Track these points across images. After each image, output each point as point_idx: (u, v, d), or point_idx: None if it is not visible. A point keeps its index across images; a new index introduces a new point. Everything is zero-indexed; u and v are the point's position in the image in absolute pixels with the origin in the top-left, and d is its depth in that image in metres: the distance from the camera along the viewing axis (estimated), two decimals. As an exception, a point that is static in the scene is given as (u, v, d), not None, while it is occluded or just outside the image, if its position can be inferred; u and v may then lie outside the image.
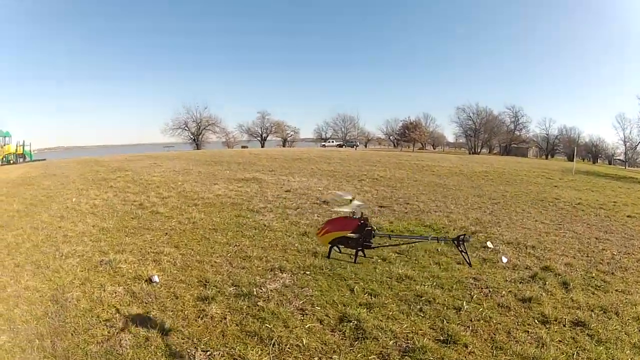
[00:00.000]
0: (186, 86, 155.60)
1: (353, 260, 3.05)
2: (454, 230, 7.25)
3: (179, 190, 11.20)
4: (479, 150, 64.11)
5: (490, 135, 66.31)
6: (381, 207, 9.56)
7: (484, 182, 14.82)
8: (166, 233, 6.80)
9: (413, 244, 5.60)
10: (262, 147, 75.64)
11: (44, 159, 42.34)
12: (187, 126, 65.76)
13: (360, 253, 3.02)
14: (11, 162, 39.55)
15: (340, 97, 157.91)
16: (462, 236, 2.78)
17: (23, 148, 42.77)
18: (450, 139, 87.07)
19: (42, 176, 17.09)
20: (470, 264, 3.76)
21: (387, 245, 4.79)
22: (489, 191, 12.52)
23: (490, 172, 17.87)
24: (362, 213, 3.00)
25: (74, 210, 8.73)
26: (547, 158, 66.89)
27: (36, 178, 16.43)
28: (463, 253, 2.88)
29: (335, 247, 3.06)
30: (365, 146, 75.38)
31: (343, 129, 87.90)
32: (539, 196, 12.00)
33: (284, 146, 78.65)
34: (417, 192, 12.05)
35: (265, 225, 7.31)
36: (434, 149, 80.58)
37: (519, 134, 71.87)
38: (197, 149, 59.76)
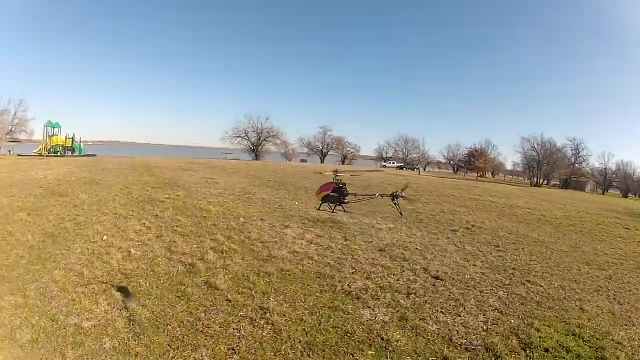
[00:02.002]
0: (251, 95, 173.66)
1: (331, 211, 9.28)
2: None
3: (243, 237, 8.83)
4: (540, 183, 65.77)
5: (553, 169, 68.65)
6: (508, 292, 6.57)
7: (575, 235, 12.79)
8: (233, 349, 4.25)
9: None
10: (321, 162, 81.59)
11: (95, 155, 44.16)
12: (247, 135, 69.48)
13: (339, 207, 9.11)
14: (59, 153, 41.93)
15: (400, 118, 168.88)
16: (396, 192, 8.97)
17: (72, 141, 44.96)
18: (508, 166, 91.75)
19: (83, 183, 16.22)
20: (401, 214, 9.07)
21: (355, 201, 8.12)
22: (589, 252, 10.37)
23: (570, 217, 16.79)
24: (340, 180, 8.88)
25: (100, 262, 6.78)
26: (604, 193, 70.01)
27: (75, 185, 15.51)
28: (396, 205, 9.18)
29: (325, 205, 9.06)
30: (424, 169, 78.94)
31: (405, 151, 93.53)
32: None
33: (343, 163, 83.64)
34: (525, 257, 9.13)
35: (382, 339, 4.66)
36: (492, 176, 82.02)
37: (579, 167, 76.18)
38: (256, 159, 62.95)
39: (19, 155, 42.24)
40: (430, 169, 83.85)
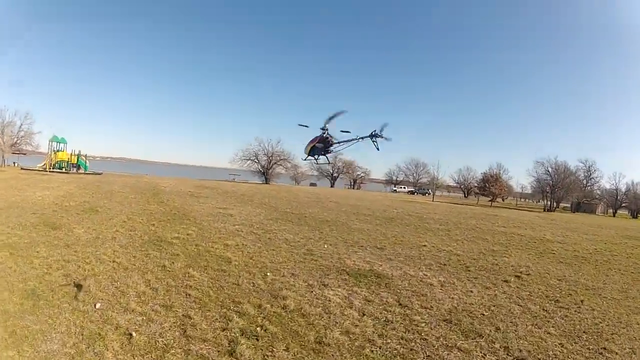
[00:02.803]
0: (261, 117, 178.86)
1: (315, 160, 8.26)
2: None
3: (278, 307, 6.79)
4: (553, 207, 65.49)
5: (567, 192, 68.48)
6: None
7: (616, 274, 11.89)
8: None
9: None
10: (331, 186, 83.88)
11: (100, 173, 43.70)
12: (257, 158, 69.21)
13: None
14: (63, 169, 41.48)
15: (410, 141, 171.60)
16: (374, 131, 7.04)
17: (78, 158, 44.39)
18: (515, 187, 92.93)
19: (81, 209, 14.69)
20: (378, 149, 7.80)
21: (338, 150, 8.36)
22: (638, 298, 9.53)
23: (601, 250, 16.24)
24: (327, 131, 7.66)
25: (90, 354, 4.72)
26: (614, 215, 72.25)
27: (72, 212, 13.99)
28: (375, 142, 7.09)
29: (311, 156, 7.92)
30: (434, 193, 79.08)
31: (415, 175, 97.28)
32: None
33: (352, 187, 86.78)
34: (587, 313, 8.00)
35: None
36: (502, 200, 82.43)
37: (590, 189, 77.59)
38: (266, 182, 63.62)
39: (22, 169, 41.59)
40: (439, 193, 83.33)
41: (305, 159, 10.69)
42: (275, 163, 69.47)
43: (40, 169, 40.26)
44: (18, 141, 52.40)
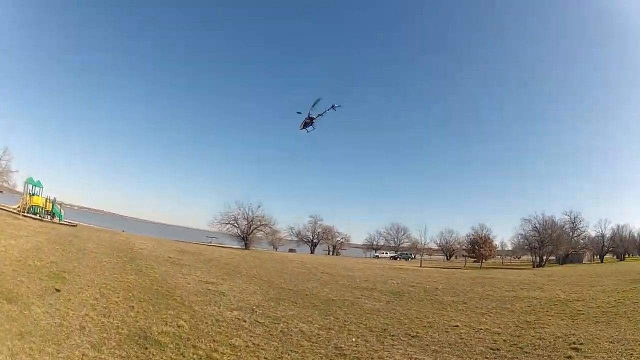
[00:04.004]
0: (239, 180, 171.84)
1: (306, 131, 19.90)
2: None
3: None
4: (542, 262, 66.10)
5: (556, 247, 68.17)
6: None
7: None
8: None
9: None
10: (311, 252, 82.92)
11: (75, 225, 40.82)
12: (237, 222, 67.14)
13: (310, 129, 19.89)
14: (37, 215, 38.96)
15: (389, 206, 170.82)
16: (333, 105, 19.21)
17: (53, 205, 41.94)
18: (498, 244, 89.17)
19: (46, 274, 12.32)
20: (334, 108, 19.10)
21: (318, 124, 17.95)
22: None
23: (616, 302, 16.35)
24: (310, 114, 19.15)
25: None
26: (602, 261, 73.41)
27: (34, 278, 11.52)
28: (334, 108, 19.26)
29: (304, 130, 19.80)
30: (414, 257, 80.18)
31: (396, 239, 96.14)
32: None
33: (332, 253, 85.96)
34: None
35: None
36: (485, 260, 77.09)
37: (577, 239, 77.31)
38: (246, 247, 61.55)
39: None
40: (418, 256, 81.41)
41: (300, 130, 20.12)
42: (255, 228, 67.79)
43: (14, 211, 37.50)
44: None
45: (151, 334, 8.38)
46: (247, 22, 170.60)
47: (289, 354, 7.95)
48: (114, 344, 7.49)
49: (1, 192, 52.71)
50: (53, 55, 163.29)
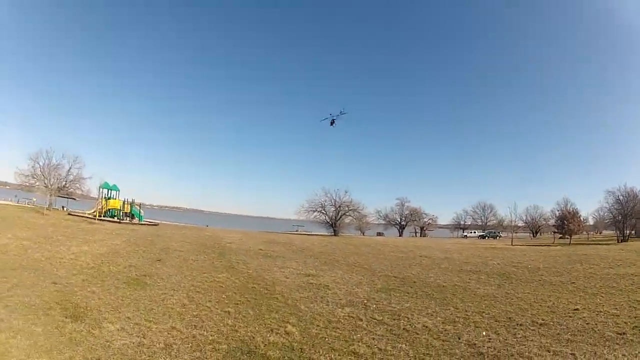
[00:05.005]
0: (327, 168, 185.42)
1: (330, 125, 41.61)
2: None
3: None
4: (626, 236, 63.61)
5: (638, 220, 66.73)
6: None
7: None
8: None
9: None
10: (399, 235, 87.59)
11: (156, 224, 42.38)
12: (324, 209, 69.67)
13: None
14: (115, 218, 40.97)
15: (477, 185, 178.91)
16: (342, 110, 42.67)
17: (131, 207, 43.98)
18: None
19: (124, 280, 11.60)
20: (342, 113, 41.97)
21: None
22: None
23: None
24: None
25: None
26: None
27: (109, 286, 10.74)
28: (342, 114, 42.82)
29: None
30: (501, 235, 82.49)
31: (483, 218, 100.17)
32: None
33: (421, 235, 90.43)
34: None
35: None
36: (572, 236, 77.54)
37: None
38: (335, 234, 63.36)
39: (69, 214, 41.50)
40: (503, 234, 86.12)
41: (326, 122, 41.58)
42: (344, 214, 69.54)
43: (89, 216, 39.54)
44: (67, 185, 53.08)
45: (256, 346, 7.04)
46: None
47: (422, 358, 6.97)
48: (212, 365, 6.00)
49: (75, 199, 56.12)
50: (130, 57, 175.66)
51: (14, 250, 14.78)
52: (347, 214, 70.47)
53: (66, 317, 7.57)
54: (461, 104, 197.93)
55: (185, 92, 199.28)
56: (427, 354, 7.10)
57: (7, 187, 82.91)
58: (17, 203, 50.97)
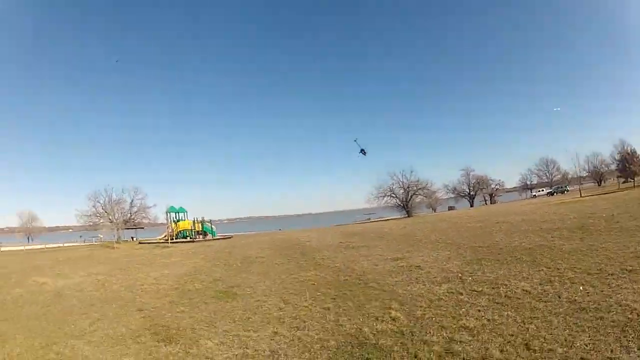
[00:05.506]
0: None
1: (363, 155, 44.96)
2: None
3: None
4: None
5: None
6: None
7: None
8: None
9: None
10: (471, 205, 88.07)
11: (230, 236, 43.52)
12: (393, 192, 70.05)
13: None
14: (188, 238, 42.85)
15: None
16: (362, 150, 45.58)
17: (202, 225, 45.51)
18: None
19: (212, 295, 11.80)
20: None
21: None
22: None
23: None
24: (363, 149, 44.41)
25: None
26: None
27: (199, 302, 11.00)
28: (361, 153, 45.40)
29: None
30: (568, 189, 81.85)
31: (548, 174, 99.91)
32: None
33: (491, 202, 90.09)
34: None
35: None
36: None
37: None
38: (408, 215, 63.60)
39: (140, 242, 43.54)
40: (569, 187, 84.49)
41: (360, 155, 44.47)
42: (414, 194, 69.74)
43: (161, 241, 41.61)
44: (132, 216, 56.97)
45: (365, 338, 6.95)
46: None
47: (531, 322, 6.85)
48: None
49: (143, 228, 59.05)
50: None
51: (90, 286, 15.22)
52: (417, 193, 70.60)
53: (158, 342, 7.74)
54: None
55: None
56: (534, 317, 7.06)
57: (70, 230, 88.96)
58: (84, 242, 53.78)
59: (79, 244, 50.58)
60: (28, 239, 67.95)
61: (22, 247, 47.20)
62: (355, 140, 43.98)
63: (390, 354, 6.01)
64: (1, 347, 8.03)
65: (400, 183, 69.92)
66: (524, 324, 6.72)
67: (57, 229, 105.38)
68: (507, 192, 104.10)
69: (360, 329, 7.27)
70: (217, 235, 45.03)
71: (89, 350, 7.59)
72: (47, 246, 46.89)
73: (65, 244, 50.38)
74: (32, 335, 8.82)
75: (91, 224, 55.12)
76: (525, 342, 5.81)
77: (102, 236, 53.98)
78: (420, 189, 71.16)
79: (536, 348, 5.58)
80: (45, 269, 21.59)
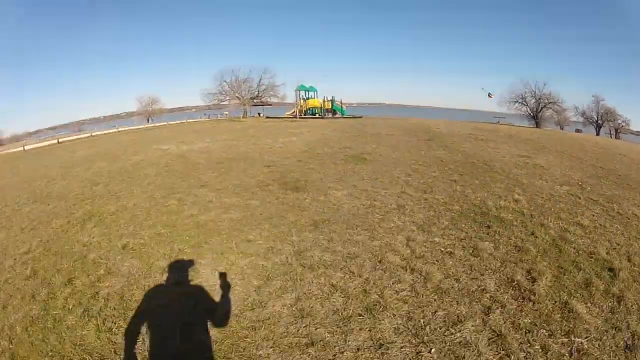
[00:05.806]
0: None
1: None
2: None
3: None
4: None
5: None
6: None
7: None
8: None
9: None
10: (597, 134, 79.02)
11: (360, 117, 43.95)
12: (525, 101, 68.57)
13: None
14: (317, 115, 44.13)
15: None
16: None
17: (332, 103, 46.26)
18: None
19: (342, 157, 12.72)
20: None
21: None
22: None
23: None
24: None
25: None
26: None
27: (327, 161, 11.94)
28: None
29: None
30: None
31: None
32: None
33: (616, 137, 79.37)
34: None
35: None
36: None
37: None
38: (537, 126, 61.43)
39: (267, 118, 45.60)
40: None
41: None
42: (544, 106, 67.19)
43: (290, 116, 43.45)
44: (259, 94, 57.64)
45: (488, 209, 7.32)
46: None
47: (636, 241, 6.61)
48: (446, 222, 6.54)
49: (271, 105, 60.31)
50: None
51: (217, 149, 15.61)
52: (547, 106, 68.22)
53: (287, 190, 8.56)
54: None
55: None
56: (637, 237, 6.82)
57: (194, 109, 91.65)
58: (209, 118, 55.94)
59: (203, 120, 52.57)
60: (148, 119, 64.27)
61: (141, 126, 47.37)
62: (482, 88, 40.21)
63: (510, 227, 6.36)
64: (115, 201, 8.36)
65: (532, 92, 68.25)
66: (629, 240, 6.61)
67: (179, 109, 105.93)
68: (632, 133, 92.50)
69: (484, 202, 7.67)
70: (347, 115, 45.55)
71: (213, 195, 8.28)
72: (169, 123, 47.93)
73: (189, 120, 51.78)
74: (150, 189, 9.30)
75: (216, 102, 57.32)
76: (628, 255, 5.85)
77: (227, 113, 56.56)
78: (551, 102, 68.48)
79: (635, 262, 5.72)
80: (168, 139, 22.38)
